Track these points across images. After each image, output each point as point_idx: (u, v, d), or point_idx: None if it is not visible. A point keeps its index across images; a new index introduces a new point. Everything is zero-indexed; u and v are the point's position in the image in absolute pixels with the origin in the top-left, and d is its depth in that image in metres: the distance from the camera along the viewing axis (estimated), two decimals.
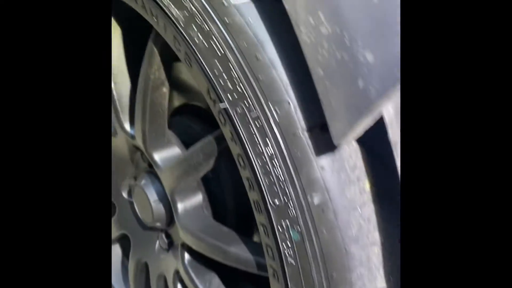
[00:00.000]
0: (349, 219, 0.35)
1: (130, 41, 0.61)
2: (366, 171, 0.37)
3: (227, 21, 0.37)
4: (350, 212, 0.35)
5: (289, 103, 0.35)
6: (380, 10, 0.32)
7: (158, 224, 0.64)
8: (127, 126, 0.62)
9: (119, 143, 0.65)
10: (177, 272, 0.61)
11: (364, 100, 0.32)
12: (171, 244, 0.66)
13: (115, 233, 0.75)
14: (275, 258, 0.39)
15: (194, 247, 0.55)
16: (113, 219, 0.74)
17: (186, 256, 0.58)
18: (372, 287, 0.37)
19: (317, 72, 0.33)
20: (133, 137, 0.62)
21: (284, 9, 0.34)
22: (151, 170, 0.64)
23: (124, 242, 0.78)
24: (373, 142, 0.37)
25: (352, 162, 0.35)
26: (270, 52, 0.36)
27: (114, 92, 0.61)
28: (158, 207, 0.63)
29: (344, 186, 0.33)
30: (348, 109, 0.32)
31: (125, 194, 0.73)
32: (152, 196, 0.62)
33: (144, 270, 0.71)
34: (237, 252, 0.51)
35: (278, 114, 0.35)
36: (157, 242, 0.68)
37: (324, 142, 0.34)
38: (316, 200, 0.33)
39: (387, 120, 0.33)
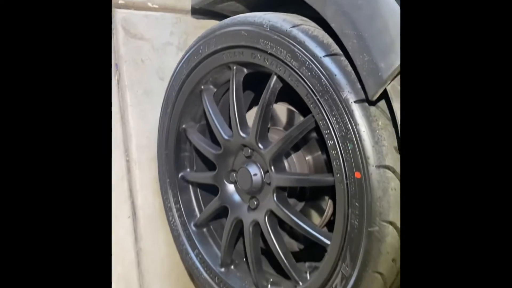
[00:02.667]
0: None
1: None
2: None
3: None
4: None
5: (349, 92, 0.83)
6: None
7: (253, 189, 1.08)
8: (240, 132, 1.10)
9: (232, 143, 1.12)
10: (267, 214, 1.04)
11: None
12: (258, 204, 1.10)
13: (217, 205, 1.18)
14: (340, 163, 0.84)
15: (286, 183, 1.00)
16: (217, 197, 1.18)
17: (276, 198, 1.02)
18: None
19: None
20: (244, 138, 1.09)
21: None
22: (250, 159, 1.10)
23: (222, 212, 1.21)
24: None
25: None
26: None
27: (235, 112, 1.09)
28: (255, 178, 1.08)
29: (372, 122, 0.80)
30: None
31: (226, 179, 1.18)
32: (253, 171, 1.08)
33: (238, 225, 1.14)
34: (317, 177, 0.97)
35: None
36: (247, 205, 1.12)
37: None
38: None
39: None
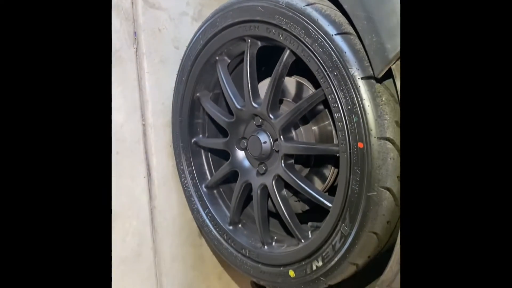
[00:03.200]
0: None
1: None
2: None
3: None
4: None
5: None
6: None
7: (263, 156, 1.17)
8: (252, 102, 1.18)
9: (244, 113, 1.20)
10: (275, 178, 1.14)
11: None
12: (266, 170, 1.19)
13: (228, 169, 1.28)
14: (344, 134, 0.93)
15: (293, 151, 1.09)
16: (228, 162, 1.27)
17: (284, 164, 1.12)
18: None
19: None
20: (256, 108, 1.17)
21: None
22: (261, 127, 1.19)
23: (231, 176, 1.31)
24: None
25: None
26: None
27: (248, 83, 1.16)
28: (265, 146, 1.16)
29: (376, 97, 0.88)
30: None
31: (237, 146, 1.27)
32: (263, 139, 1.17)
33: (247, 188, 1.23)
34: (323, 147, 1.06)
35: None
36: (256, 170, 1.21)
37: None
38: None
39: None
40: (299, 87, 1.20)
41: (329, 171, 1.18)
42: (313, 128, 1.17)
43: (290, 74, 1.20)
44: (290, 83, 1.22)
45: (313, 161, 1.20)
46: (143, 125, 1.39)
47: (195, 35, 1.25)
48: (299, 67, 1.11)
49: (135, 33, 1.36)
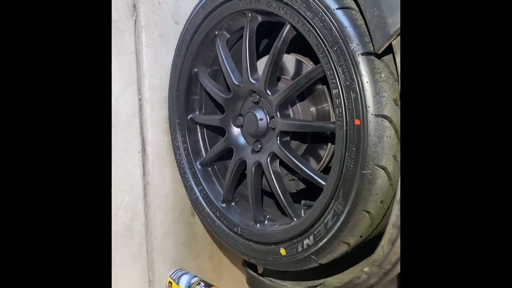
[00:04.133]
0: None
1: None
2: None
3: None
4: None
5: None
6: None
7: (259, 133, 1.16)
8: (250, 78, 1.16)
9: (242, 89, 1.19)
10: (269, 156, 1.13)
11: None
12: (261, 147, 1.18)
13: (223, 146, 1.26)
14: (342, 110, 0.91)
15: (289, 128, 1.08)
16: (224, 139, 1.26)
17: (279, 141, 1.10)
18: None
19: None
20: (253, 84, 1.15)
21: None
22: (258, 104, 1.17)
23: (225, 154, 1.29)
24: None
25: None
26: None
27: (247, 58, 1.15)
28: (261, 123, 1.15)
29: (375, 74, 0.87)
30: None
31: (233, 123, 1.25)
32: (259, 116, 1.15)
33: (241, 165, 1.22)
34: (319, 124, 1.05)
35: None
36: (251, 148, 1.20)
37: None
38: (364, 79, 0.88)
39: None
40: (298, 65, 1.19)
41: (325, 151, 1.17)
42: (310, 106, 1.15)
43: (289, 52, 1.18)
44: (290, 60, 1.20)
45: (310, 140, 1.19)
46: (139, 99, 1.37)
47: (195, 8, 1.23)
48: (298, 46, 1.10)
49: (134, 5, 1.33)
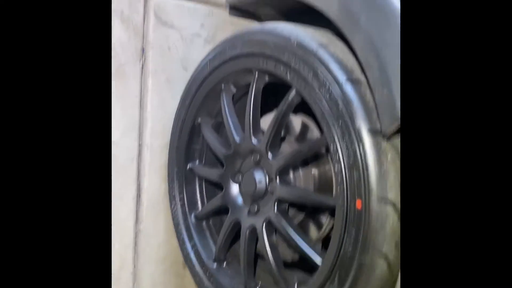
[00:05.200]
0: None
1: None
2: None
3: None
4: None
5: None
6: None
7: (256, 195, 1.10)
8: (252, 137, 1.11)
9: (242, 147, 1.14)
10: (265, 221, 1.06)
11: None
12: (258, 210, 1.12)
13: (219, 204, 1.21)
14: (343, 189, 0.86)
15: (287, 197, 1.02)
16: (221, 195, 1.21)
17: (277, 208, 1.04)
18: None
19: None
20: (255, 145, 1.10)
21: None
22: (258, 165, 1.12)
23: (224, 208, 1.23)
24: None
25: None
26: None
27: (250, 117, 1.10)
28: (260, 186, 1.09)
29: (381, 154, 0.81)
30: None
31: (232, 179, 1.20)
32: (258, 178, 1.10)
33: (236, 226, 1.16)
34: (318, 198, 0.99)
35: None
36: (248, 209, 1.14)
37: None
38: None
39: None
40: (304, 127, 1.14)
41: (327, 218, 1.11)
42: (313, 173, 1.09)
43: (296, 111, 1.14)
44: (296, 121, 1.15)
45: (310, 206, 1.12)
46: (140, 144, 1.34)
47: (203, 60, 1.20)
48: (307, 105, 1.05)
49: (143, 49, 1.31)
